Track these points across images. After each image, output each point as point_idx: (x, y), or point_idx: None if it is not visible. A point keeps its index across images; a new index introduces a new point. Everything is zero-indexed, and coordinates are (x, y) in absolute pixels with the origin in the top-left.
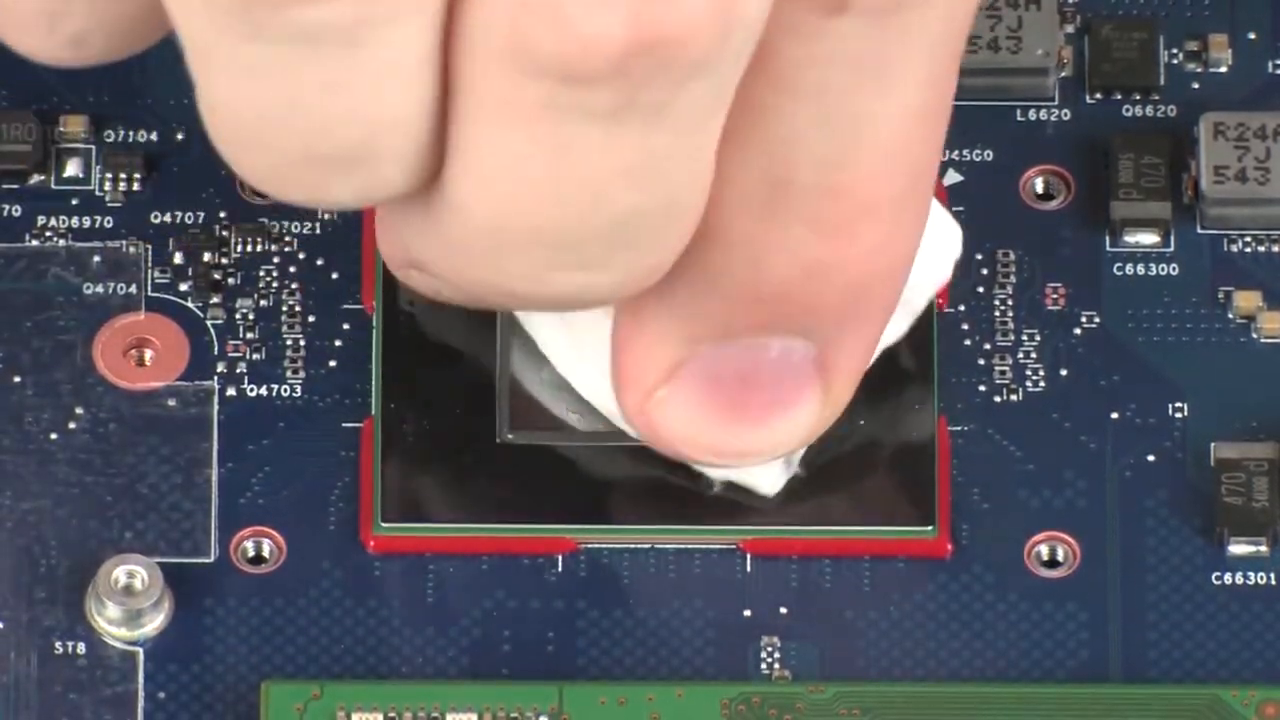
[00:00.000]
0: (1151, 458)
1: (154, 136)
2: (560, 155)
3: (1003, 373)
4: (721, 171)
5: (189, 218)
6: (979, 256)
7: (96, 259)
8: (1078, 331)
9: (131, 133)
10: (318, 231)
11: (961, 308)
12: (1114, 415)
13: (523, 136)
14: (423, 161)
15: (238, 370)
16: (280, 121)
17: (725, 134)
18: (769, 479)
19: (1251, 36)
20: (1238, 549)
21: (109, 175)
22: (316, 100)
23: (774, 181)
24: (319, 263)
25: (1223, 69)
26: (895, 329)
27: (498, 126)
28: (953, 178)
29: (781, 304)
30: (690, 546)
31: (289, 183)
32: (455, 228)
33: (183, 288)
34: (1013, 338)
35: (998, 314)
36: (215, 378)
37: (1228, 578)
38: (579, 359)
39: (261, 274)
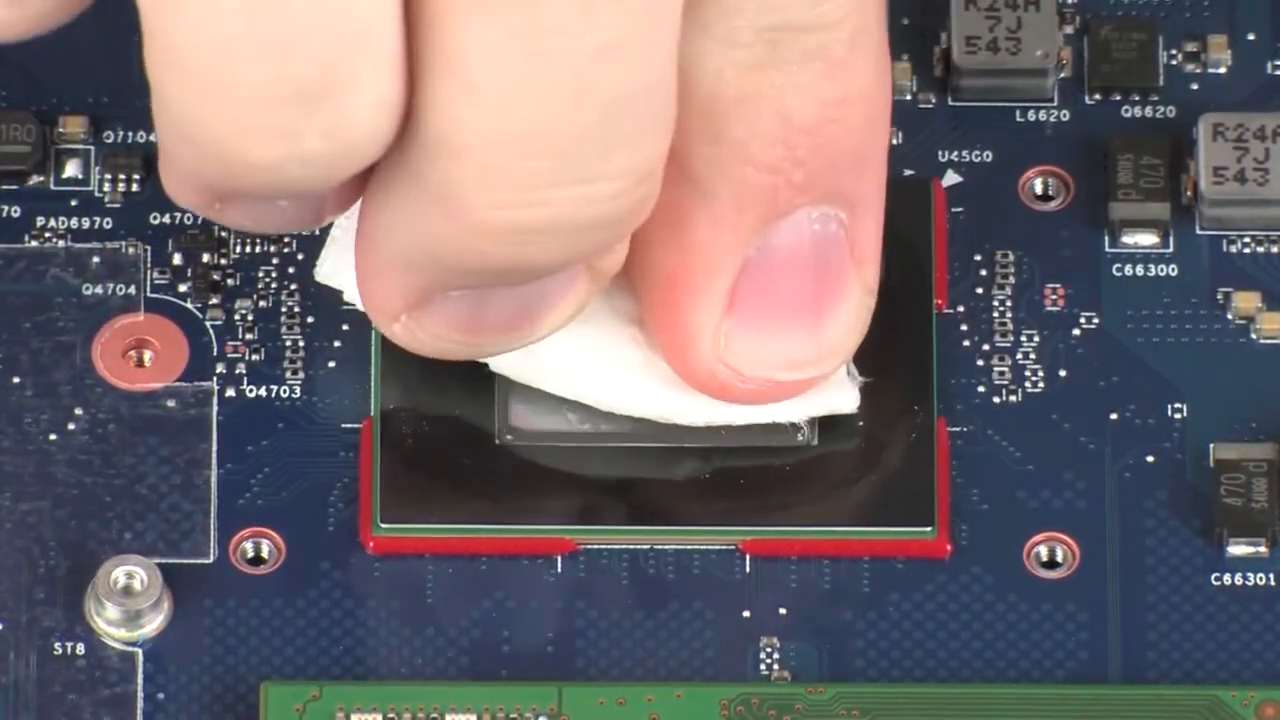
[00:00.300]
0: (1151, 458)
1: (153, 137)
2: (537, 41)
3: (1002, 373)
4: (710, 34)
5: (188, 218)
6: (978, 258)
7: (96, 260)
8: (1077, 332)
9: (131, 133)
10: (317, 231)
11: (961, 308)
12: (1113, 416)
13: (497, 26)
14: (394, 93)
15: (237, 371)
16: (244, 45)
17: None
18: (845, 395)
19: (1251, 37)
20: (1237, 550)
21: (108, 176)
22: (279, 12)
23: (768, 28)
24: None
25: (1222, 70)
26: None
27: (470, 19)
28: (952, 178)
29: (813, 159)
30: (690, 547)
31: (256, 135)
32: (443, 167)
33: (182, 289)
34: (1012, 339)
35: (997, 315)
36: (214, 378)
37: (1227, 578)
38: (599, 370)
39: (261, 275)
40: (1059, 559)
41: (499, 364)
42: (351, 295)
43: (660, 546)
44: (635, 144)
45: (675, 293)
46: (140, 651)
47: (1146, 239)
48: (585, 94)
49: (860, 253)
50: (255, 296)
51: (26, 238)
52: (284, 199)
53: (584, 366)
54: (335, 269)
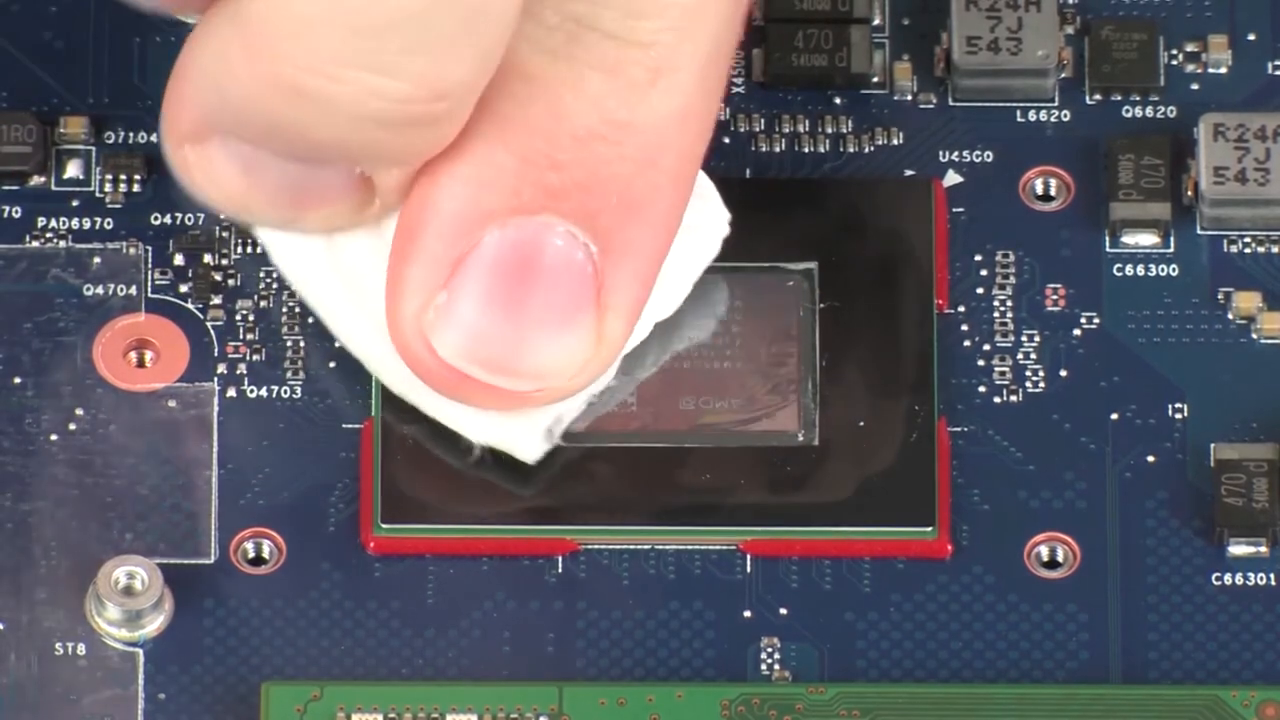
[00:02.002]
0: (1151, 458)
1: (154, 138)
2: None
3: (1003, 374)
4: (528, 8)
5: (189, 219)
6: (979, 258)
7: (97, 260)
8: (1077, 332)
9: (131, 134)
10: None
11: (961, 309)
12: (1114, 416)
13: None
14: None
15: (238, 371)
16: None
17: None
18: (530, 441)
19: (1251, 37)
20: (1237, 550)
21: (109, 177)
22: None
23: (577, 20)
24: None
25: (1222, 70)
26: (665, 306)
27: None
28: (953, 179)
29: (573, 169)
30: (690, 547)
31: None
32: (262, 5)
33: (183, 289)
34: (1013, 339)
35: (998, 315)
36: (215, 379)
37: (1227, 578)
38: (339, 291)
39: (261, 275)
40: (1060, 559)
41: (269, 243)
42: None
43: (661, 546)
44: (442, 55)
45: (406, 241)
46: (141, 651)
47: (1147, 239)
48: None
49: (608, 299)
50: (256, 297)
51: (27, 238)
52: None
53: (329, 279)
54: None
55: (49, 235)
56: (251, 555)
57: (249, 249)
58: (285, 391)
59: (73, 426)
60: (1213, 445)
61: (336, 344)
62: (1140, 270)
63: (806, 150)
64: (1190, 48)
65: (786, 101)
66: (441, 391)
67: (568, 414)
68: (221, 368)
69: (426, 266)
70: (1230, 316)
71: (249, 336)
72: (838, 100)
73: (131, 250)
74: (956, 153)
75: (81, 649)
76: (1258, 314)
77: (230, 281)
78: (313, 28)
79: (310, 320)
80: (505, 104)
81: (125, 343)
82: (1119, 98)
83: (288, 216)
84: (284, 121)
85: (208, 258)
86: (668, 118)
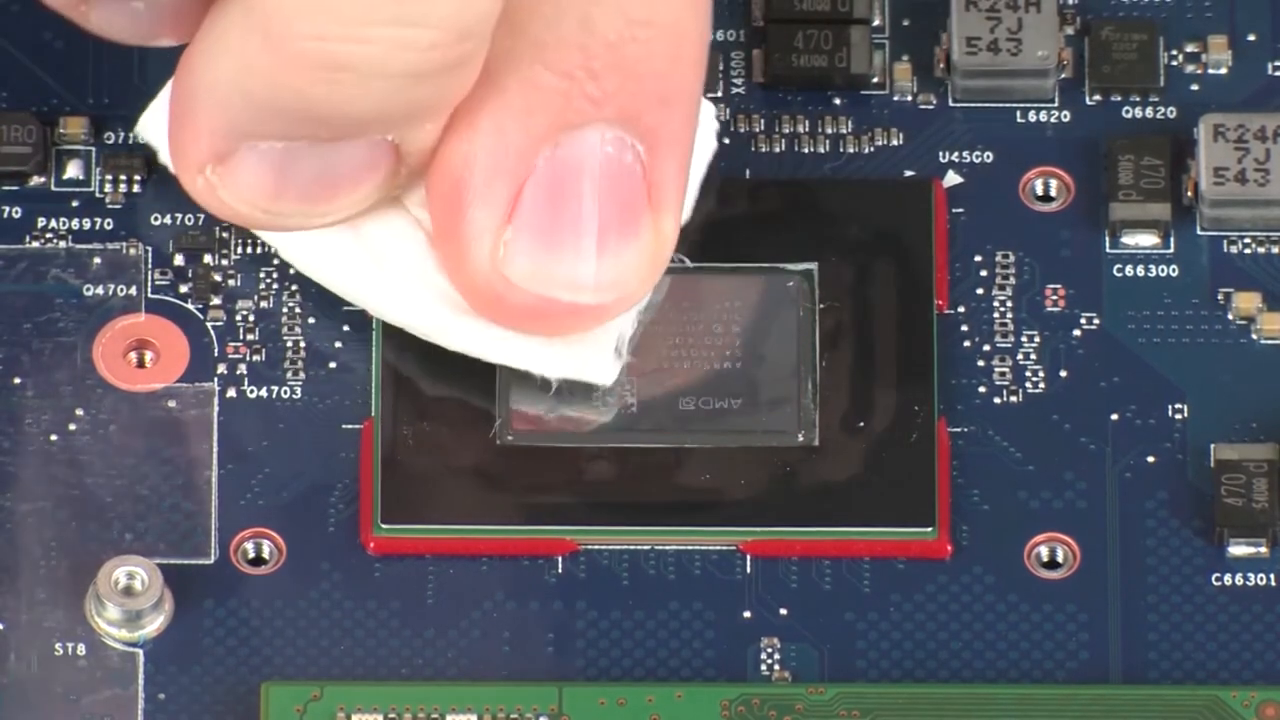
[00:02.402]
0: (1151, 459)
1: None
2: None
3: (1003, 374)
4: None
5: (189, 219)
6: (979, 258)
7: (97, 261)
8: (1077, 333)
9: (131, 134)
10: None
11: (961, 309)
12: (1114, 416)
13: None
14: None
15: (238, 371)
16: None
17: None
18: (603, 362)
19: (1251, 38)
20: (1237, 550)
21: (109, 177)
22: None
23: None
24: None
25: (1222, 70)
26: (684, 208)
27: None
28: (953, 179)
29: (610, 76)
30: (690, 547)
31: None
32: None
33: (183, 289)
34: (1013, 339)
35: (997, 315)
36: (215, 379)
37: (1227, 579)
38: (375, 271)
39: (261, 276)
40: (1060, 559)
41: (285, 247)
42: (166, 156)
43: (661, 547)
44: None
45: (458, 193)
46: (141, 652)
47: (1147, 239)
48: None
49: (659, 197)
50: (256, 297)
51: (27, 238)
52: None
53: (362, 264)
54: (158, 125)
55: (49, 236)
56: (251, 555)
57: (249, 249)
58: (285, 392)
59: (73, 427)
60: (1213, 445)
61: (336, 344)
62: (1140, 271)
63: (806, 151)
64: (1190, 48)
65: (786, 102)
66: (523, 326)
67: (626, 331)
68: (221, 368)
69: (487, 208)
70: (1230, 317)
71: (249, 337)
72: (837, 101)
73: (131, 250)
74: (956, 153)
75: (81, 649)
76: (1258, 314)
77: (230, 282)
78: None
79: (310, 320)
80: (534, 27)
81: (125, 343)
82: (1119, 98)
83: (322, 209)
84: (318, 99)
85: (208, 258)
86: (685, 12)
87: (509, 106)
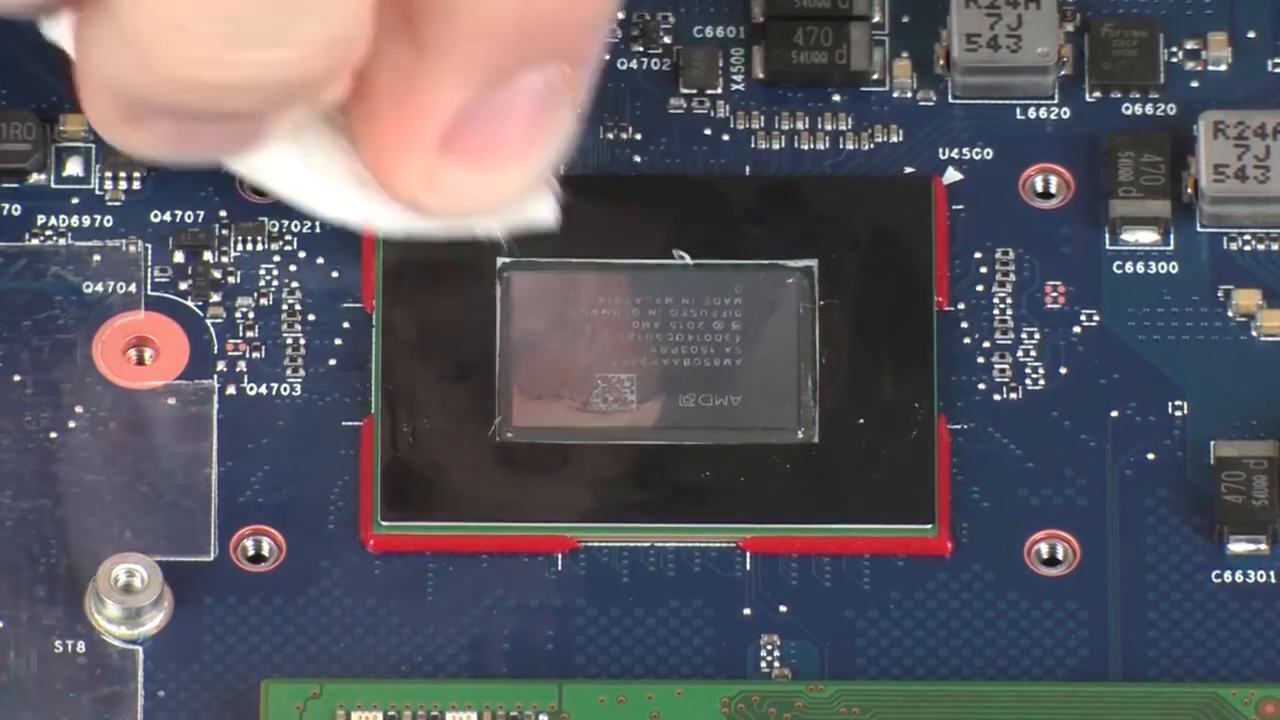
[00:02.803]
0: (1151, 456)
1: None
2: None
3: (1002, 371)
4: None
5: (189, 216)
6: (978, 255)
7: (96, 258)
8: (1077, 330)
9: None
10: (318, 230)
11: (961, 306)
12: (1114, 414)
13: None
14: None
15: (237, 369)
16: None
17: None
18: (544, 207)
19: (1251, 35)
20: (1237, 547)
21: (109, 174)
22: None
23: None
24: (319, 262)
25: (1222, 67)
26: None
27: None
28: (952, 176)
29: (547, 34)
30: (690, 545)
31: None
32: (131, 17)
33: (183, 286)
34: (1012, 336)
35: (997, 312)
36: (215, 376)
37: (1227, 576)
38: (313, 177)
39: (261, 273)
40: (1060, 556)
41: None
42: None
43: (661, 544)
44: (328, 10)
45: (390, 133)
46: (141, 649)
47: (1147, 236)
48: None
49: (575, 87)
50: (256, 294)
51: (27, 236)
52: None
53: (293, 170)
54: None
55: (49, 233)
56: (251, 553)
57: (249, 246)
58: (285, 389)
59: (72, 424)
60: (1212, 443)
61: (336, 341)
62: (1140, 268)
63: (806, 148)
64: (1190, 45)
65: (786, 99)
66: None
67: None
68: (221, 365)
69: (417, 152)
70: (1230, 314)
71: (249, 334)
72: (837, 98)
73: (131, 248)
74: (956, 150)
75: (81, 646)
76: (1258, 311)
77: (230, 279)
78: (188, 27)
79: (310, 317)
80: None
81: (125, 340)
82: (1119, 95)
83: (235, 153)
84: (200, 107)
85: (207, 255)
86: None
87: (447, 68)
